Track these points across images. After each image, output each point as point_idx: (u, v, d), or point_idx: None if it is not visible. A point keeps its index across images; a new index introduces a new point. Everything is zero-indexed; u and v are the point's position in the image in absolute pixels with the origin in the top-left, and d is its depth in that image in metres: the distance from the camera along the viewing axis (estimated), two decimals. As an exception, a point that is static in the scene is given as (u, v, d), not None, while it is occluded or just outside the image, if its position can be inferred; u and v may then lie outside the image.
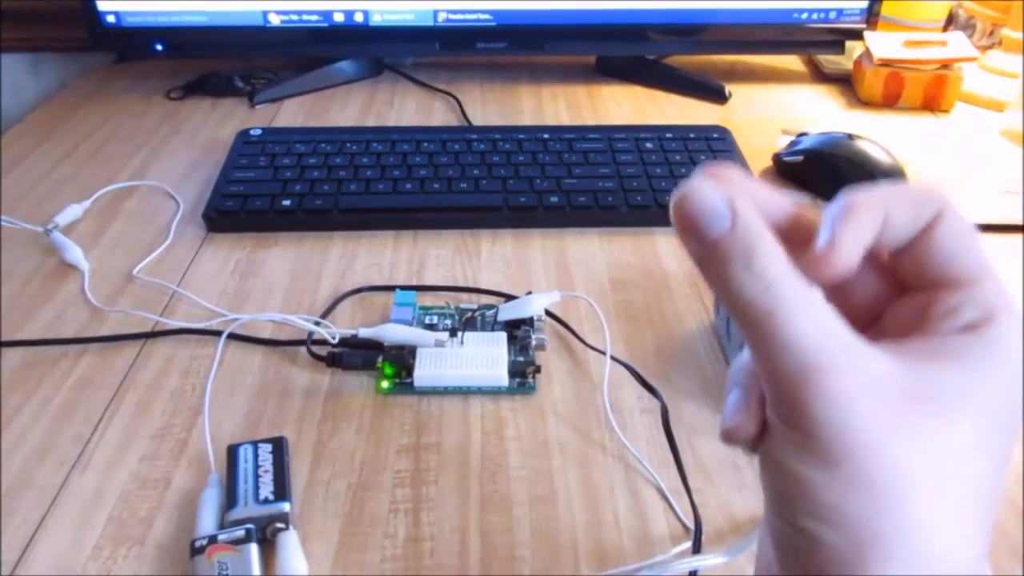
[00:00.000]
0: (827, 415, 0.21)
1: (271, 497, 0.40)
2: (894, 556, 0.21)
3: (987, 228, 0.65)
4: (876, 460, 0.21)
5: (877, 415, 0.21)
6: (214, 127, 0.84)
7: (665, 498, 0.43)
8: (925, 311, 0.24)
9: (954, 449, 0.22)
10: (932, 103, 0.87)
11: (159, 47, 0.87)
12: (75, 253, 0.61)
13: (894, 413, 0.21)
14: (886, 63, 0.87)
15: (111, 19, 0.85)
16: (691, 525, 0.41)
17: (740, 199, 0.22)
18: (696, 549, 0.40)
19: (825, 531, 0.22)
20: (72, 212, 0.66)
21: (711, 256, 0.23)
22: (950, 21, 0.98)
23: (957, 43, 0.87)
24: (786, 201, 0.25)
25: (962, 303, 0.23)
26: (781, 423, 0.23)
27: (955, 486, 0.22)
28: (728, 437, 0.25)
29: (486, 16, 0.87)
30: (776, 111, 0.88)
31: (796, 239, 0.24)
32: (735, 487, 0.44)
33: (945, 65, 0.86)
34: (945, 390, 0.22)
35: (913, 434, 0.21)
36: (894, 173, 0.68)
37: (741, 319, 0.23)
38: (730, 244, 0.22)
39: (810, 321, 0.22)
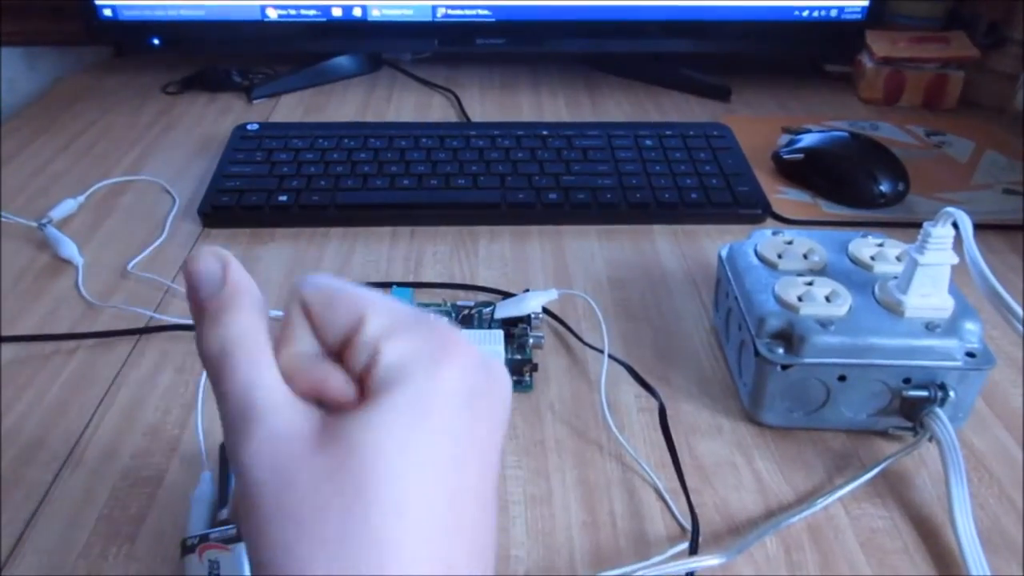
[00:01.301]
0: (250, 460, 0.23)
1: (264, 496, 0.40)
2: None
3: (988, 227, 0.65)
4: (277, 522, 0.22)
5: (286, 459, 0.23)
6: (211, 122, 0.83)
7: (662, 498, 0.43)
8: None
9: (361, 479, 0.22)
10: (933, 102, 0.87)
11: (156, 41, 0.86)
12: (69, 248, 0.61)
13: (300, 455, 0.23)
14: (887, 61, 0.86)
15: (108, 12, 0.84)
16: (688, 526, 0.41)
17: (238, 274, 0.26)
18: (693, 550, 0.40)
19: None
20: (67, 207, 0.66)
21: (198, 311, 0.26)
22: (951, 19, 0.98)
23: (958, 42, 0.87)
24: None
25: (351, 356, 0.24)
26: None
27: (362, 520, 0.22)
28: None
29: (485, 12, 0.86)
30: (777, 109, 0.88)
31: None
32: (733, 487, 0.43)
33: (946, 64, 0.86)
34: (348, 430, 0.23)
35: (315, 475, 0.22)
36: (895, 171, 0.67)
37: (206, 368, 0.25)
38: (213, 303, 0.25)
39: (255, 374, 0.24)
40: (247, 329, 0.25)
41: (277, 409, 0.24)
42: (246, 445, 0.23)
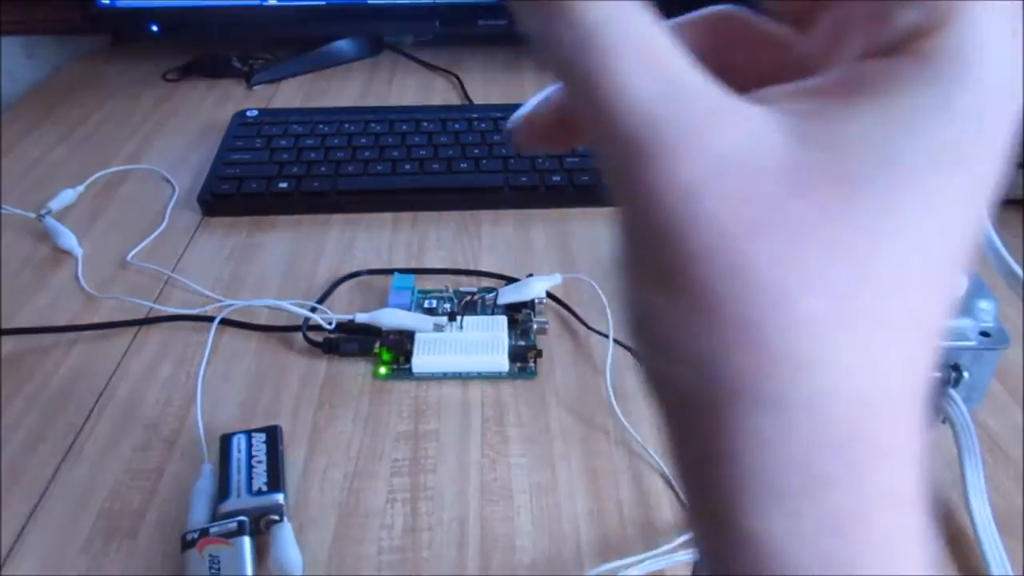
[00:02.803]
0: (665, 212, 0.14)
1: (265, 488, 0.39)
2: (758, 401, 0.14)
3: (1000, 203, 0.63)
4: (733, 279, 0.14)
5: (740, 211, 0.14)
6: (211, 109, 0.82)
7: (670, 485, 0.42)
8: (839, 33, 0.16)
9: (871, 252, 0.14)
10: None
11: (154, 28, 0.85)
12: (68, 239, 0.60)
13: (769, 205, 0.14)
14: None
15: (105, 0, 0.83)
16: (697, 513, 0.40)
17: None
18: (702, 538, 0.39)
19: (671, 370, 0.16)
20: (66, 197, 0.65)
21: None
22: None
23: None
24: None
25: (890, 8, 0.15)
26: (619, 223, 0.16)
27: (867, 307, 0.14)
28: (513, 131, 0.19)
29: (486, -8, 0.85)
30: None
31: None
32: (742, 473, 0.43)
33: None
34: (861, 155, 0.14)
35: (798, 238, 0.14)
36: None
37: (564, 78, 0.15)
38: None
39: (651, 74, 0.14)
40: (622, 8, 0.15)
41: (715, 119, 0.14)
42: (672, 178, 0.14)
